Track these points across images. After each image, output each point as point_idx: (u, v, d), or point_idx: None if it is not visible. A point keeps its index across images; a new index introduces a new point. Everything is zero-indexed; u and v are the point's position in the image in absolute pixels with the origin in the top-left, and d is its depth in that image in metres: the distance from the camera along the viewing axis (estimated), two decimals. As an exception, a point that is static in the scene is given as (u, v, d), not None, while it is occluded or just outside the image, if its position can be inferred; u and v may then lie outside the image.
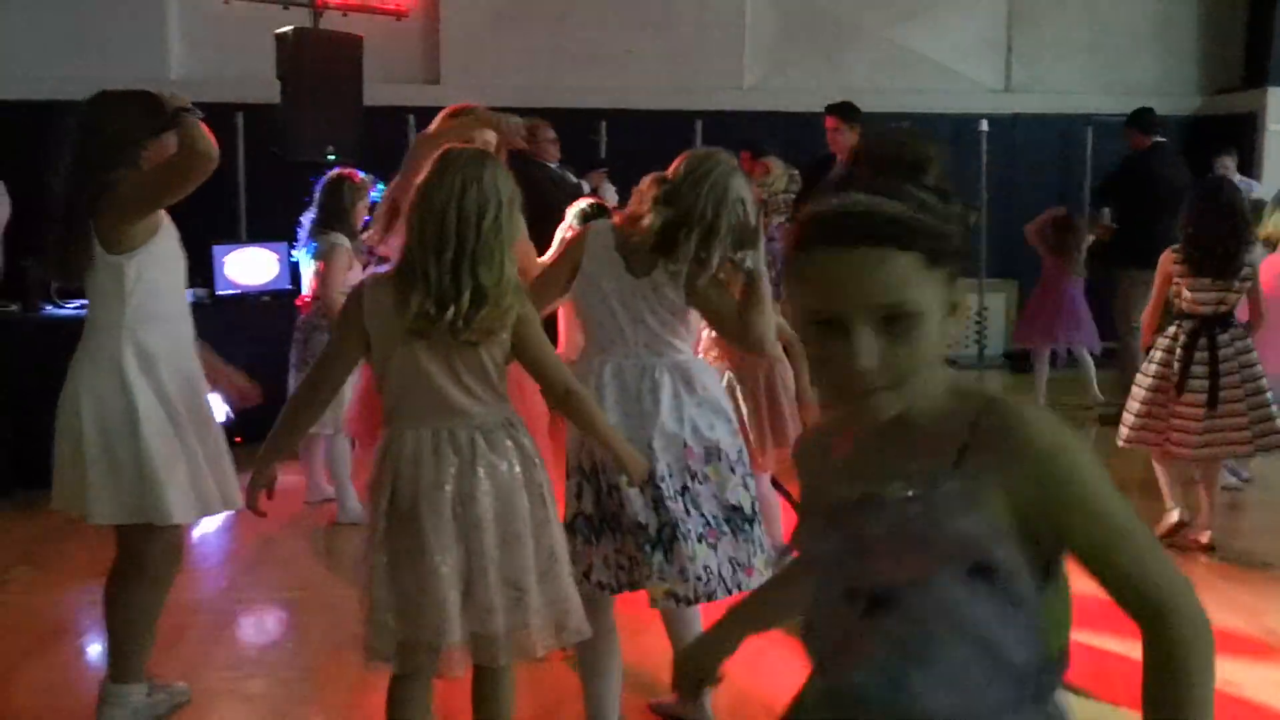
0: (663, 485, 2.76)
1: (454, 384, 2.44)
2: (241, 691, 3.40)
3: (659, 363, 2.84)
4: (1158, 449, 4.74)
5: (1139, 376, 4.80)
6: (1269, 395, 4.61)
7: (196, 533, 5.16)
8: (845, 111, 7.02)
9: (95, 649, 3.83)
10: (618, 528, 2.80)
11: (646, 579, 2.78)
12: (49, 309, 6.02)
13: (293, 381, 5.17)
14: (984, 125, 10.31)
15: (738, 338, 2.95)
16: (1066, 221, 7.78)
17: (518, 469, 2.47)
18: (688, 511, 2.78)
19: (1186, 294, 4.64)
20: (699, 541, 2.78)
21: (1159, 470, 4.86)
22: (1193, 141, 10.13)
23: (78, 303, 6.17)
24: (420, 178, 2.51)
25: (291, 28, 7.24)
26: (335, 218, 4.94)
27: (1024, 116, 10.62)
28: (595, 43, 10.11)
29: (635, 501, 2.75)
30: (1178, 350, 4.60)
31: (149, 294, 3.03)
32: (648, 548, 2.76)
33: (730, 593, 2.80)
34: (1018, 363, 10.00)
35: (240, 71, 8.61)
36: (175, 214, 3.12)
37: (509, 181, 2.51)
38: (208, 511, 3.17)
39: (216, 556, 4.75)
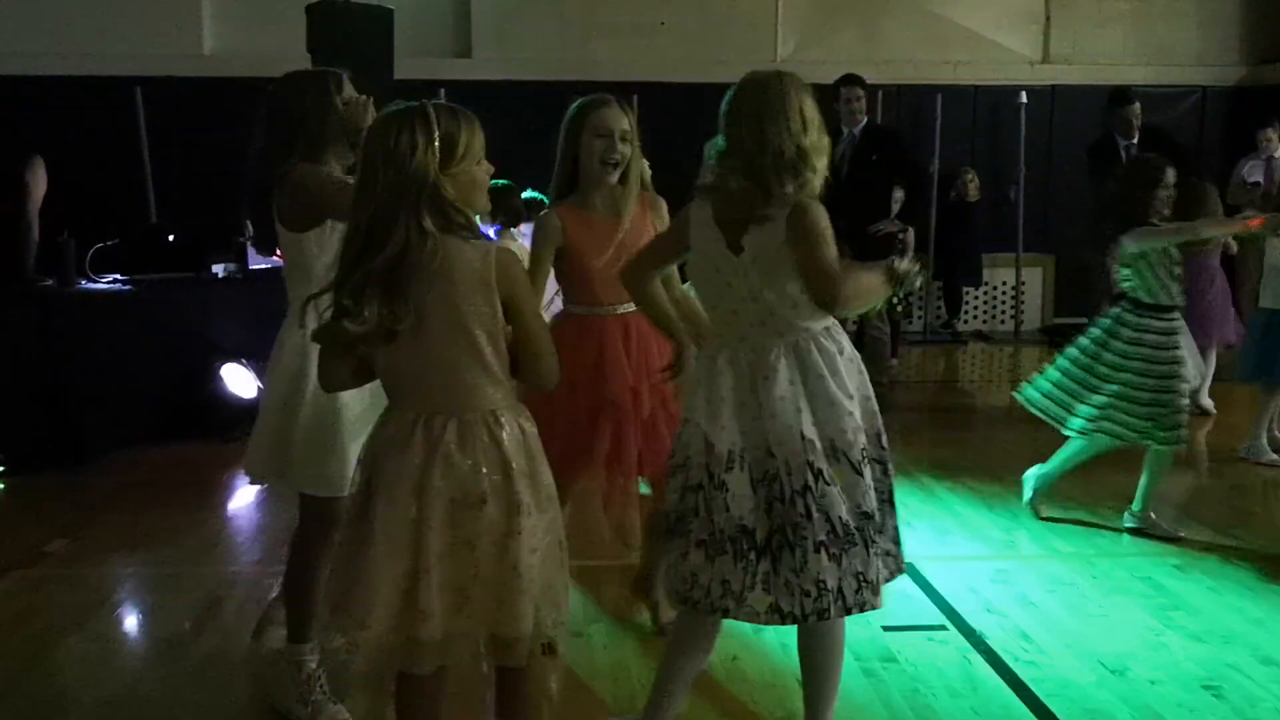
0: (776, 485, 2.45)
1: None
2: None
3: (778, 344, 2.50)
4: None
5: None
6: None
7: (230, 506, 5.20)
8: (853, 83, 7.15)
9: (133, 620, 3.85)
10: (709, 540, 2.49)
11: (748, 589, 2.45)
12: (84, 284, 6.03)
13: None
14: (1022, 97, 10.16)
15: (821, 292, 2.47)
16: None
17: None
18: (809, 515, 2.43)
19: None
20: (817, 551, 2.42)
21: None
22: (1236, 113, 9.93)
23: (111, 277, 6.20)
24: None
25: (322, 0, 7.21)
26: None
27: (1063, 88, 10.44)
28: (627, 14, 10.02)
29: (743, 502, 2.46)
30: None
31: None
32: (752, 555, 2.45)
33: (848, 611, 2.47)
34: (1054, 337, 9.87)
35: (271, 46, 8.58)
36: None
37: None
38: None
39: (250, 530, 4.77)
